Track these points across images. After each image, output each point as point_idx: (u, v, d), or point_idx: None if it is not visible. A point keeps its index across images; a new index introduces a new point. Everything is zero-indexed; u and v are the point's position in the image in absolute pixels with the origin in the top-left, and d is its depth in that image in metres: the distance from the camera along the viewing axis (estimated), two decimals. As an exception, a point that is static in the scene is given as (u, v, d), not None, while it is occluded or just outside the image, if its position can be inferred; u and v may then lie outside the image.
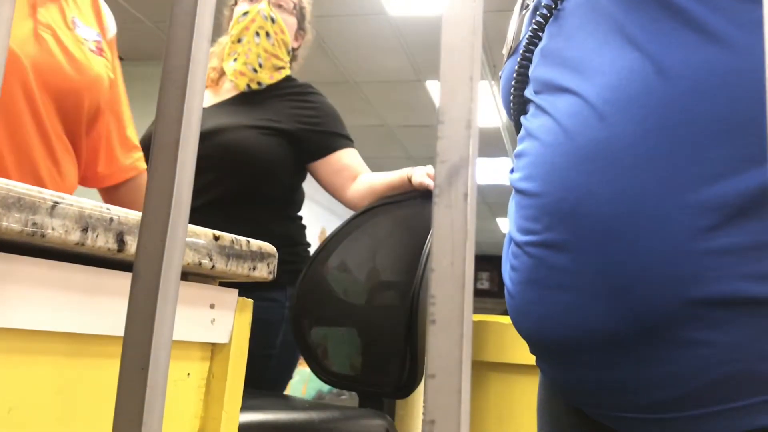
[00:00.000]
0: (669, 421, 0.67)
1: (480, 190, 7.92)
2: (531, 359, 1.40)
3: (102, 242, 0.54)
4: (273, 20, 1.68)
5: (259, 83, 1.69)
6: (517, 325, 0.80)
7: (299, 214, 1.77)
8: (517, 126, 0.90)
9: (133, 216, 0.57)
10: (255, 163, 1.61)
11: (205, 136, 1.59)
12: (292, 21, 1.74)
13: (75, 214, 0.52)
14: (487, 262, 11.39)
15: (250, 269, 0.67)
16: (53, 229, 0.51)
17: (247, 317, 0.72)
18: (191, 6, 0.27)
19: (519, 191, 0.79)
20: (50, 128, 1.15)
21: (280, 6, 1.71)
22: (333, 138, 1.69)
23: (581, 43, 0.75)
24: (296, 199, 1.74)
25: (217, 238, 0.64)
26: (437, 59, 0.24)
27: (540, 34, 0.83)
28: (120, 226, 0.55)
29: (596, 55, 0.72)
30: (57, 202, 0.51)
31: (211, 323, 0.67)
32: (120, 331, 0.59)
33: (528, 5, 0.96)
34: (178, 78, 0.26)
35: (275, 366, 1.62)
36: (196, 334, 0.66)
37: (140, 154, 1.40)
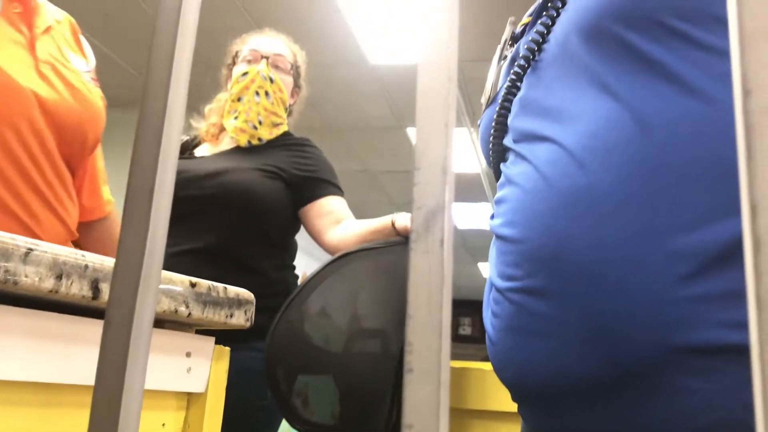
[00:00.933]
0: None
1: (461, 235, 7.94)
2: (513, 407, 1.38)
3: (76, 290, 0.53)
4: (272, 80, 1.76)
5: (259, 139, 1.76)
6: (499, 372, 0.79)
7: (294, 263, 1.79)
8: (497, 173, 0.91)
9: (109, 263, 0.56)
10: (258, 203, 1.64)
11: (208, 177, 1.65)
12: (289, 80, 1.82)
13: (49, 261, 0.51)
14: (469, 308, 11.34)
15: (227, 316, 0.66)
16: (26, 276, 0.50)
17: (224, 366, 0.71)
18: (169, 51, 0.27)
19: (500, 237, 0.79)
20: (52, 165, 1.14)
21: (277, 67, 1.79)
22: (324, 185, 1.74)
23: (560, 93, 0.76)
24: (293, 247, 1.77)
25: (193, 285, 0.63)
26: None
27: (518, 84, 0.84)
28: (95, 273, 0.55)
29: (575, 105, 0.74)
30: (31, 249, 0.50)
31: (187, 372, 0.66)
32: (92, 380, 0.58)
33: (506, 56, 0.98)
34: (154, 124, 0.26)
35: (266, 417, 1.60)
36: (172, 383, 0.64)
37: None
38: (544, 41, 0.82)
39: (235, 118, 1.76)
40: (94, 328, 0.57)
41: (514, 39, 0.98)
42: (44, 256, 0.51)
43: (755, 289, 0.19)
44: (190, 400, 0.68)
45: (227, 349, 0.71)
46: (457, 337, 11.25)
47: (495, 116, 0.87)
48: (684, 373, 0.62)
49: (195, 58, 0.29)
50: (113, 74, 4.54)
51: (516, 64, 0.84)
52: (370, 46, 4.15)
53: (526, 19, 0.98)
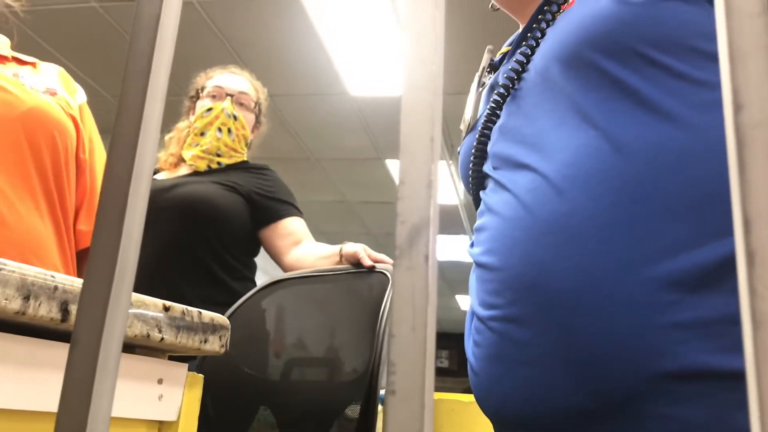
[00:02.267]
0: None
1: (439, 267, 7.93)
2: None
3: (45, 311, 0.51)
4: (235, 118, 1.81)
5: (218, 163, 1.81)
6: (481, 402, 0.78)
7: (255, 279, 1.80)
8: (476, 201, 0.91)
9: (78, 284, 0.54)
10: (217, 211, 1.67)
11: (165, 191, 1.68)
12: (251, 117, 1.88)
13: (17, 281, 0.49)
14: (447, 340, 11.30)
15: (201, 342, 0.65)
16: (-7, 297, 0.48)
17: (197, 393, 0.69)
18: (145, 65, 0.27)
19: (480, 265, 0.79)
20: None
21: (241, 104, 1.85)
22: (284, 206, 1.78)
23: (539, 120, 0.77)
24: (253, 264, 1.79)
25: (167, 309, 0.61)
26: (397, 138, 0.23)
27: (498, 111, 0.85)
28: (65, 294, 0.53)
29: (554, 133, 0.74)
30: (-1, 270, 0.49)
31: (159, 399, 0.64)
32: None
33: (484, 83, 0.98)
34: (128, 140, 0.25)
35: None
36: (142, 410, 0.62)
37: None
38: (524, 70, 0.83)
39: (194, 150, 1.80)
40: (62, 352, 0.56)
41: (493, 67, 0.99)
42: (11, 275, 0.49)
43: (750, 306, 0.18)
44: (162, 428, 0.66)
45: (200, 376, 0.69)
46: (434, 370, 11.17)
47: (475, 143, 0.87)
48: (666, 401, 0.61)
49: (172, 86, 0.29)
50: (98, 104, 4.51)
51: (495, 92, 0.85)
52: (351, 78, 4.18)
53: (505, 49, 0.99)
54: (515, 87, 0.83)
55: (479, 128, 0.88)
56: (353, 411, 1.32)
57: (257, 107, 1.89)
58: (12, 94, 1.15)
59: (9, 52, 1.26)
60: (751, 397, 0.18)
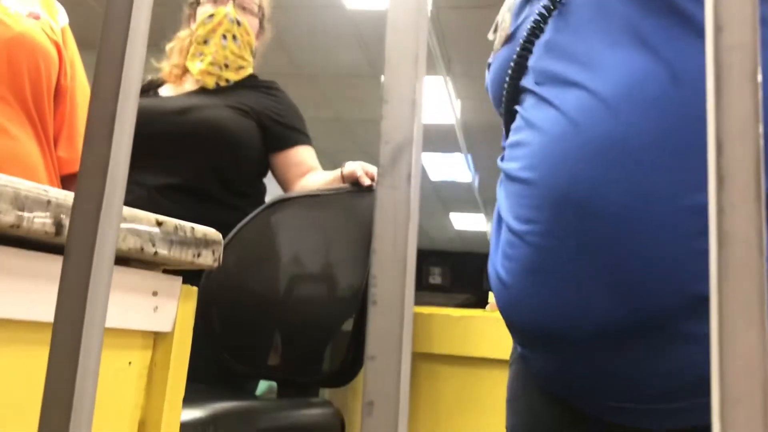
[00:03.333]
0: (659, 412, 0.69)
1: (434, 187, 7.96)
2: (478, 352, 1.41)
3: (39, 225, 0.52)
4: (239, 23, 1.73)
5: (227, 80, 1.74)
6: (511, 315, 0.80)
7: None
8: (508, 115, 0.90)
9: (71, 198, 0.55)
10: (233, 139, 1.65)
11: (180, 113, 1.63)
12: (255, 22, 1.80)
13: (10, 195, 0.50)
14: (440, 257, 11.46)
15: (194, 256, 0.66)
16: (-13, 210, 0.49)
17: (191, 305, 0.71)
18: (131, -24, 0.26)
19: (516, 179, 0.79)
20: None
21: (244, 8, 1.76)
22: (294, 133, 1.75)
23: (590, 39, 0.76)
24: (264, 187, 1.78)
25: (160, 224, 0.62)
26: None
27: (542, 26, 0.83)
28: (58, 208, 0.54)
29: (608, 53, 0.74)
30: (-9, 183, 0.49)
31: (154, 311, 0.65)
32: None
33: None
34: (114, 49, 0.25)
35: None
36: (138, 322, 0.64)
37: None
38: None
39: (201, 60, 1.73)
40: (56, 265, 0.57)
41: None
42: (5, 189, 0.50)
43: (716, 224, 0.19)
44: (157, 339, 0.68)
45: (194, 288, 0.71)
46: (427, 286, 11.40)
47: (515, 56, 0.85)
48: (700, 321, 0.64)
49: (159, -16, 0.28)
50: (88, 18, 4.39)
51: (542, 5, 0.83)
52: (346, -10, 4.07)
53: None
54: (563, 2, 0.81)
55: (520, 41, 0.85)
56: (349, 324, 1.36)
57: (260, 11, 1.81)
58: None
59: None
60: (712, 312, 0.19)
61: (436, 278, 11.68)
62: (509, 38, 0.91)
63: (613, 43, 0.74)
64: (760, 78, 0.20)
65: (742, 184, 0.19)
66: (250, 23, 1.76)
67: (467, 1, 3.91)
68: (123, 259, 0.62)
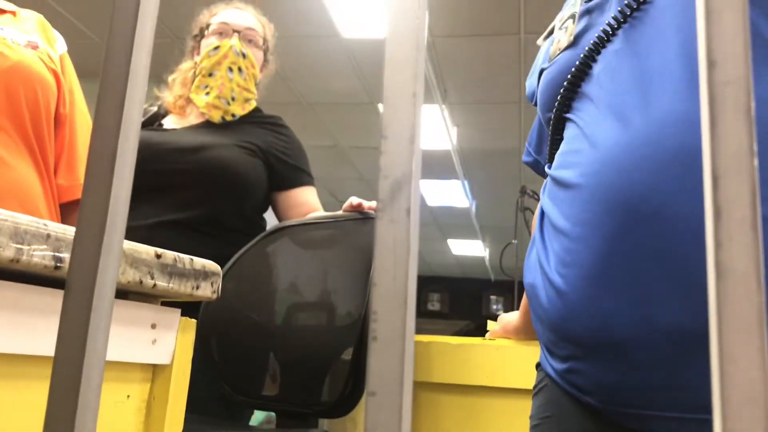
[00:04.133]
0: (706, 423, 0.68)
1: (431, 212, 7.96)
2: (479, 380, 1.40)
3: (38, 259, 0.52)
4: (244, 55, 1.73)
5: (233, 115, 1.74)
6: (568, 323, 0.79)
7: None
8: (557, 121, 0.90)
9: (71, 232, 0.55)
10: (241, 180, 1.65)
11: (188, 151, 1.63)
12: (260, 55, 1.80)
13: (10, 230, 0.50)
14: (438, 283, 11.43)
15: (193, 288, 0.66)
16: (-14, 245, 0.49)
17: (190, 337, 0.70)
18: (131, 16, 0.27)
19: (576, 186, 0.79)
20: None
21: (249, 41, 1.77)
22: (299, 173, 1.75)
23: (666, 52, 0.77)
24: (264, 223, 1.78)
25: (159, 256, 0.62)
26: None
27: (612, 35, 0.84)
28: (57, 242, 0.54)
29: (687, 68, 0.74)
30: (-9, 217, 0.49)
31: (152, 344, 0.65)
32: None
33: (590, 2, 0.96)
34: (116, 88, 0.26)
35: None
36: (137, 354, 0.64)
37: None
38: (648, 1, 0.82)
39: (207, 93, 1.73)
40: (55, 299, 0.57)
41: None
42: (4, 224, 0.50)
43: (714, 257, 0.19)
44: (156, 372, 0.68)
45: (193, 321, 0.70)
46: (426, 313, 11.35)
47: (578, 62, 0.86)
48: None
49: (162, 29, 0.29)
50: (86, 47, 4.43)
51: (612, 15, 0.84)
52: (343, 19, 4.11)
53: None
54: (636, 14, 0.82)
55: (585, 47, 0.86)
56: (348, 354, 1.35)
57: (265, 44, 1.81)
58: None
59: None
60: (712, 344, 0.19)
61: (434, 304, 11.64)
62: (572, 44, 0.91)
63: (688, 57, 0.74)
64: (753, 112, 0.20)
65: (738, 217, 0.19)
66: (255, 56, 1.76)
67: (462, 30, 3.96)
68: (122, 292, 0.62)
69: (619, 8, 0.84)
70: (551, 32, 0.99)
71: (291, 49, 4.27)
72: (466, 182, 6.77)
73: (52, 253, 0.53)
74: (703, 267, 0.65)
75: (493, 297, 11.07)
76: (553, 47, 0.95)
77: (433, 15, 3.81)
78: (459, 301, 11.33)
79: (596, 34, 0.85)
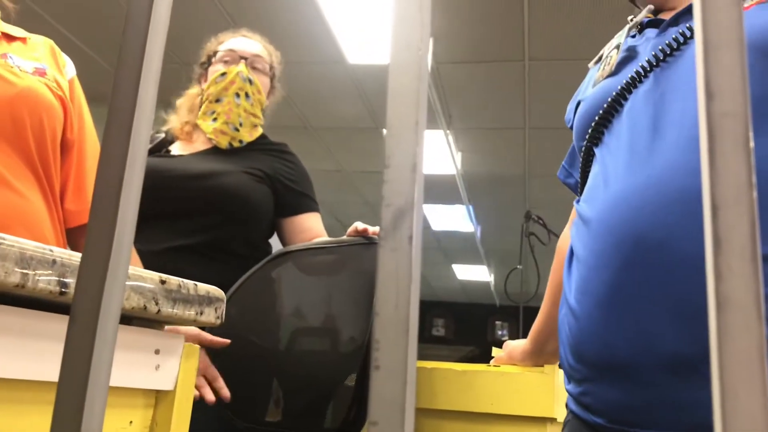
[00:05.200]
0: None
1: (435, 237, 7.96)
2: (483, 407, 1.39)
3: (43, 284, 0.52)
4: (251, 81, 1.76)
5: (240, 141, 1.76)
6: (582, 345, 0.86)
7: None
8: (587, 155, 0.96)
9: (76, 257, 0.55)
10: (250, 207, 1.66)
11: (197, 178, 1.64)
12: (266, 81, 1.82)
13: (16, 255, 0.50)
14: (443, 309, 11.38)
15: (197, 314, 0.66)
16: (-8, 269, 0.49)
17: (193, 363, 0.70)
18: (139, 47, 0.27)
19: (593, 222, 0.86)
20: None
21: (255, 68, 1.79)
22: (305, 199, 1.77)
23: (689, 99, 0.82)
24: (269, 248, 1.79)
25: (163, 282, 0.62)
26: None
27: (644, 77, 0.88)
28: (63, 268, 0.54)
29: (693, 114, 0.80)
30: (-3, 242, 0.50)
31: (156, 369, 0.65)
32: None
33: (634, 35, 1.00)
34: (123, 119, 0.26)
35: None
36: (140, 380, 0.64)
37: None
38: (686, 43, 0.86)
39: (214, 119, 1.75)
40: (60, 325, 0.57)
41: (647, 24, 1.00)
42: (10, 250, 0.50)
43: (714, 288, 0.19)
44: (159, 397, 0.67)
45: (197, 346, 0.70)
46: (430, 338, 11.29)
47: (614, 93, 0.91)
48: None
49: (170, 54, 0.29)
50: (94, 72, 4.48)
51: (648, 57, 0.89)
52: (349, 45, 4.15)
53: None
54: (670, 58, 0.86)
55: (623, 81, 0.91)
56: (352, 380, 1.35)
57: (272, 71, 1.84)
58: (1, 78, 1.16)
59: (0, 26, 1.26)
60: (714, 377, 0.19)
61: (439, 330, 11.57)
62: (613, 72, 0.96)
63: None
64: (752, 144, 0.21)
65: (738, 248, 0.20)
66: (261, 82, 1.78)
67: (467, 56, 3.99)
68: (126, 318, 0.62)
69: (653, 52, 0.89)
70: (600, 57, 1.05)
71: (297, 74, 4.31)
72: (470, 207, 6.78)
73: (57, 279, 0.54)
74: (702, 298, 0.67)
75: (498, 322, 11.01)
76: (599, 73, 1.01)
77: (438, 42, 3.85)
78: (463, 327, 11.27)
79: (630, 74, 0.90)
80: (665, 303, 0.75)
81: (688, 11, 0.92)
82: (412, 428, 0.22)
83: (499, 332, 10.88)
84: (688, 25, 0.88)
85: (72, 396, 0.27)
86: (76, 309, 0.27)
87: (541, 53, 3.95)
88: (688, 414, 0.75)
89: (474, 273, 9.49)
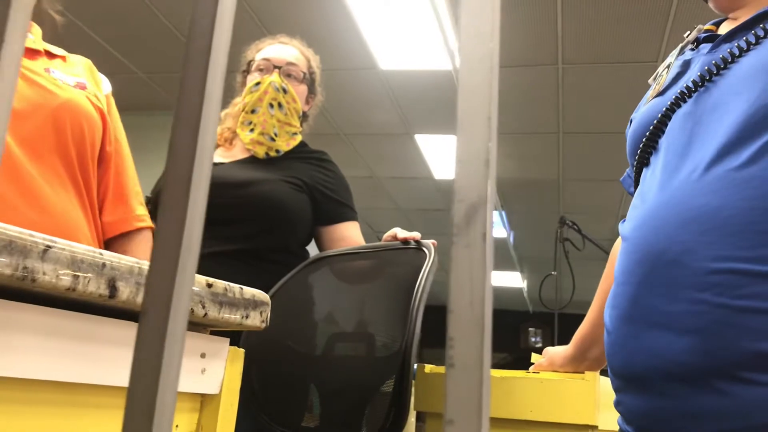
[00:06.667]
0: None
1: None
2: (525, 415, 1.37)
3: (93, 288, 0.53)
4: (285, 91, 1.76)
5: (277, 151, 1.77)
6: (610, 358, 0.91)
7: None
8: (637, 175, 0.99)
9: (126, 261, 0.56)
10: (289, 215, 1.67)
11: (239, 186, 1.66)
12: (303, 88, 1.83)
13: (67, 259, 0.51)
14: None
15: (242, 317, 0.66)
16: (44, 273, 0.50)
17: (238, 367, 0.70)
18: (205, 46, 0.27)
19: (626, 239, 0.91)
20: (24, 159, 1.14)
21: (289, 75, 1.79)
22: (343, 208, 1.77)
23: (722, 124, 0.83)
24: (307, 255, 1.80)
25: (210, 285, 0.62)
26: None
27: (687, 98, 0.90)
28: (112, 271, 0.54)
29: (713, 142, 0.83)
30: (49, 246, 0.50)
31: (201, 373, 0.65)
32: (109, 380, 0.57)
33: (683, 51, 1.02)
34: (191, 117, 0.26)
35: None
36: (186, 384, 0.64)
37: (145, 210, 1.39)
38: (730, 65, 0.87)
39: (251, 130, 1.76)
40: (109, 328, 0.57)
41: (701, 40, 1.01)
42: (62, 253, 0.51)
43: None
44: (204, 401, 0.68)
45: (242, 350, 0.71)
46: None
47: (659, 115, 0.94)
48: (760, 372, 0.73)
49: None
50: (127, 81, 4.55)
51: (692, 79, 0.91)
52: (381, 52, 4.16)
53: (709, 26, 1.03)
54: (716, 77, 0.88)
55: (667, 102, 0.93)
56: (388, 385, 1.34)
57: (309, 77, 1.84)
58: (45, 89, 1.18)
59: (41, 45, 1.28)
60: None
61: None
62: (661, 92, 0.98)
63: (733, 127, 0.82)
64: None
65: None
66: (297, 90, 1.79)
67: (501, 60, 3.95)
68: (174, 320, 0.62)
69: (699, 72, 0.90)
70: (656, 75, 1.07)
71: (329, 82, 4.33)
72: (503, 213, 6.73)
73: (106, 282, 0.54)
74: (713, 311, 0.70)
75: (531, 329, 10.90)
76: (651, 92, 1.03)
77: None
78: (496, 334, 11.10)
79: (675, 95, 0.92)
80: (680, 316, 0.79)
81: (745, 27, 0.91)
82: (487, 426, 0.21)
83: (533, 339, 10.77)
84: (737, 44, 0.88)
85: (143, 400, 0.27)
86: (146, 311, 0.27)
87: (575, 57, 3.92)
88: (704, 424, 0.77)
89: (507, 279, 9.42)
